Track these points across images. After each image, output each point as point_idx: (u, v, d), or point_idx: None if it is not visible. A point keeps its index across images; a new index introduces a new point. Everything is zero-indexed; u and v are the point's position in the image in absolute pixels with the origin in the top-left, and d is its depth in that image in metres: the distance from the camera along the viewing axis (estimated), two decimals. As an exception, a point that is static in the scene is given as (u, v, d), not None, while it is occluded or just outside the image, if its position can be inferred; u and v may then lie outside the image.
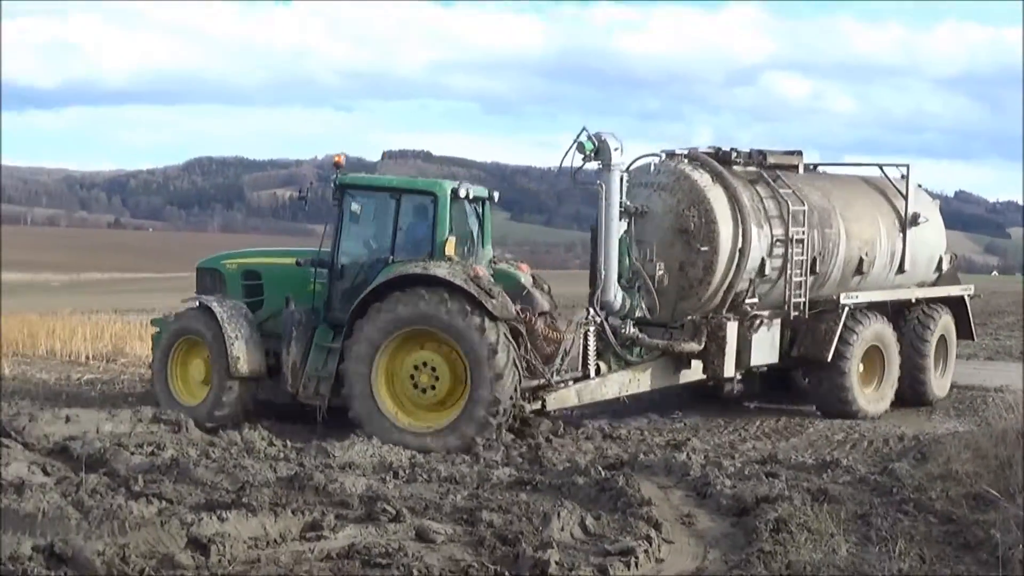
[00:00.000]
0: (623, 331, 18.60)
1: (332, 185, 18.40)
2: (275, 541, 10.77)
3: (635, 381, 18.90)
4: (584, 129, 18.35)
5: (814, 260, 19.92)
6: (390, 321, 17.05)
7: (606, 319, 18.52)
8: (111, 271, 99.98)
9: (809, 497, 12.75)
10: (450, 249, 17.51)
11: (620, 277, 18.70)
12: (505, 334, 16.82)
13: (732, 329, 18.91)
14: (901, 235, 21.69)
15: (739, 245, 19.00)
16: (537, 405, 17.77)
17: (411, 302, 16.94)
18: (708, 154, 19.97)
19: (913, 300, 21.93)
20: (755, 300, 19.29)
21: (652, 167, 19.71)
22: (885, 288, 21.65)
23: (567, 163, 18.48)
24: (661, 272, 18.90)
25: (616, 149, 18.33)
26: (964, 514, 12.10)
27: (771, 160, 20.57)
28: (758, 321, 19.18)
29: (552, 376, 17.67)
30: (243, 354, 18.13)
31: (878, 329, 20.68)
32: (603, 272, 18.66)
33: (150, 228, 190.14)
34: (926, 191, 23.27)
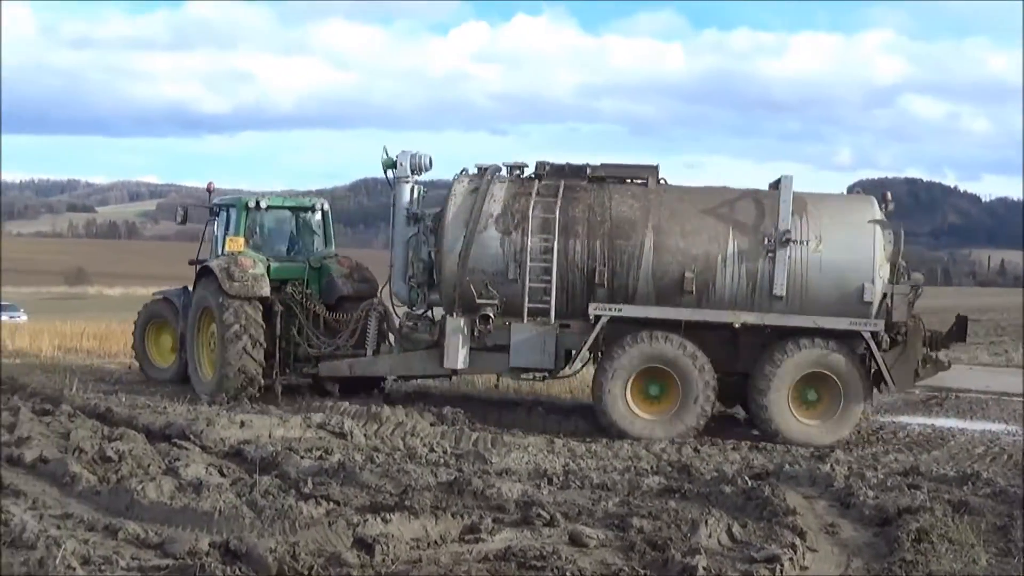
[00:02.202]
0: (406, 320, 20.64)
1: (209, 203, 22.77)
2: (435, 542, 10.80)
3: (403, 365, 20.69)
4: (384, 148, 20.70)
5: (594, 271, 19.02)
6: (195, 302, 21.58)
7: (388, 309, 20.83)
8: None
9: (950, 508, 12.45)
10: (234, 245, 21.25)
11: (406, 273, 20.48)
12: (244, 310, 20.36)
13: (452, 325, 19.34)
14: (770, 256, 18.74)
15: (459, 248, 19.33)
16: (314, 371, 21.04)
17: (201, 288, 21.31)
18: (538, 171, 19.92)
19: (738, 325, 18.61)
20: (493, 301, 19.14)
21: (452, 180, 20.33)
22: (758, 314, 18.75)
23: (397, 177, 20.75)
24: (414, 271, 20.32)
25: (401, 164, 20.52)
26: (1104, 527, 11.74)
27: (600, 173, 19.71)
28: (483, 321, 19.17)
29: (322, 348, 20.85)
30: None
31: (660, 350, 18.56)
32: (391, 268, 20.65)
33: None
34: (881, 207, 19.07)
